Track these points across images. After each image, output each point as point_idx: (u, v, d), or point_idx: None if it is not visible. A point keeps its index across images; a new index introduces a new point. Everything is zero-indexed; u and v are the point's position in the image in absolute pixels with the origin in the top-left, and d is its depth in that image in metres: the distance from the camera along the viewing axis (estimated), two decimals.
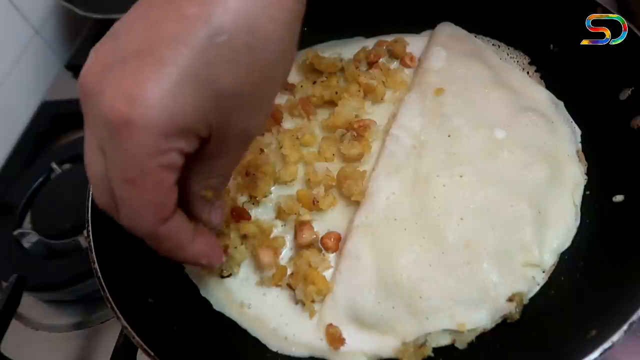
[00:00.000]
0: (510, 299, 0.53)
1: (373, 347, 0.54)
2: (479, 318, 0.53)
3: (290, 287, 0.59)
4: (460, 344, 0.52)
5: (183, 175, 0.39)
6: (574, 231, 0.57)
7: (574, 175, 0.60)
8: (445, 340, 0.53)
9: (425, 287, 0.53)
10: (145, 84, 0.33)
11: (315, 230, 0.60)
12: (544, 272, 0.55)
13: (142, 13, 0.36)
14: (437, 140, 0.62)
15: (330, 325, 0.55)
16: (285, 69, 0.41)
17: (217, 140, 0.39)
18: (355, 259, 0.56)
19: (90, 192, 0.59)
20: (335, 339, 0.54)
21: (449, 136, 0.61)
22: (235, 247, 0.59)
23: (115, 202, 0.38)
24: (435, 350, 0.53)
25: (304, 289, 0.56)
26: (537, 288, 0.54)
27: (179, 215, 0.41)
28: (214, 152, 0.39)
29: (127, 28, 0.36)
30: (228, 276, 0.60)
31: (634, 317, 0.42)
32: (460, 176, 0.58)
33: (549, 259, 0.55)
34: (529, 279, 0.54)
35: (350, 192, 0.60)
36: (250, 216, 0.62)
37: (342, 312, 0.55)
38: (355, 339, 0.54)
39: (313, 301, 0.56)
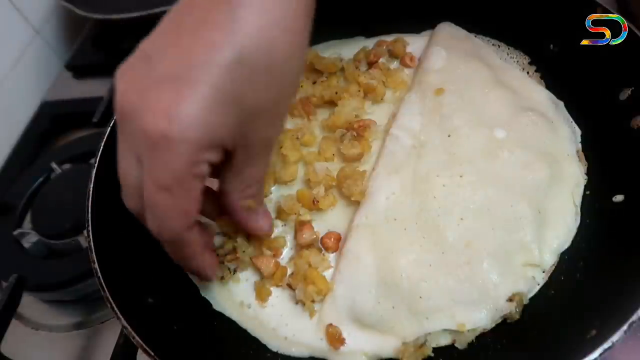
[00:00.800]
0: (510, 299, 0.53)
1: (373, 347, 0.54)
2: (479, 318, 0.53)
3: (290, 287, 0.59)
4: (460, 344, 0.52)
5: (223, 194, 0.46)
6: (574, 231, 0.57)
7: (573, 175, 0.60)
8: (445, 340, 0.53)
9: (425, 287, 0.53)
10: (182, 103, 0.38)
11: (315, 230, 0.60)
12: (544, 272, 0.55)
13: (174, 40, 0.40)
14: (437, 140, 0.62)
15: (330, 325, 0.55)
16: (297, 81, 0.46)
17: (242, 150, 0.43)
18: (355, 258, 0.56)
19: (91, 193, 0.59)
20: (335, 338, 0.54)
21: (449, 136, 0.61)
22: (244, 251, 0.59)
23: (144, 208, 0.43)
24: (435, 350, 0.53)
25: (304, 289, 0.56)
26: (537, 288, 0.54)
27: (198, 226, 0.46)
28: (242, 161, 0.45)
29: (160, 53, 0.40)
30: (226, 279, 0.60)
31: (634, 317, 0.42)
32: (460, 176, 0.58)
33: (549, 259, 0.55)
34: (529, 279, 0.54)
35: (350, 192, 0.60)
36: None
37: (342, 312, 0.55)
38: (356, 339, 0.54)
39: (313, 301, 0.56)
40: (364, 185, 0.61)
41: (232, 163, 0.44)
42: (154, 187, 0.41)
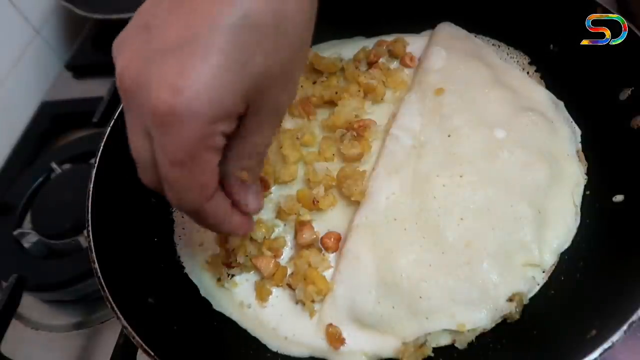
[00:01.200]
0: (510, 299, 0.53)
1: (373, 347, 0.54)
2: (479, 318, 0.53)
3: (290, 287, 0.59)
4: (460, 344, 0.52)
5: (222, 160, 0.42)
6: (574, 231, 0.57)
7: (573, 175, 0.60)
8: (445, 340, 0.53)
9: (425, 287, 0.53)
10: (189, 74, 0.35)
11: (315, 230, 0.60)
12: (544, 272, 0.55)
13: (173, 7, 0.38)
14: (437, 140, 0.62)
15: (331, 325, 0.55)
16: (308, 41, 0.42)
17: (252, 116, 0.41)
18: (355, 259, 0.56)
19: (91, 193, 0.59)
20: (335, 338, 0.54)
21: (449, 136, 0.61)
22: (246, 255, 0.59)
23: (161, 182, 0.41)
24: (435, 350, 0.53)
25: (304, 289, 0.56)
26: (537, 288, 0.54)
27: (219, 193, 0.44)
28: (249, 129, 0.42)
29: (160, 22, 0.38)
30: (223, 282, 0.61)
31: (634, 317, 0.42)
32: (460, 176, 0.58)
33: (549, 259, 0.55)
34: (529, 279, 0.54)
35: (350, 192, 0.60)
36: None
37: (342, 312, 0.55)
38: (356, 339, 0.54)
39: (313, 301, 0.56)
40: (363, 185, 0.61)
41: (238, 129, 0.41)
42: (168, 163, 0.38)
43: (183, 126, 0.36)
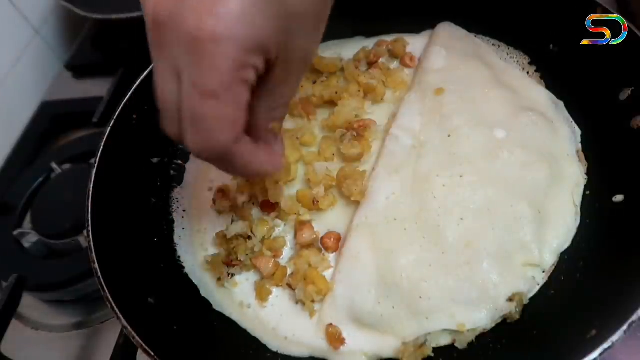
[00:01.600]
0: (510, 299, 0.53)
1: (373, 347, 0.54)
2: (478, 318, 0.53)
3: (290, 287, 0.59)
4: (460, 344, 0.52)
5: (252, 114, 0.43)
6: (574, 231, 0.57)
7: (573, 175, 0.60)
8: (445, 340, 0.53)
9: (425, 287, 0.53)
10: (227, 1, 0.36)
11: (315, 230, 0.60)
12: (543, 272, 0.55)
13: None
14: (437, 140, 0.62)
15: (330, 325, 0.55)
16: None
17: (282, 63, 0.42)
18: (355, 258, 0.56)
19: (91, 193, 0.59)
20: (335, 338, 0.54)
21: (449, 136, 0.61)
22: (247, 254, 0.59)
23: (185, 129, 0.41)
24: (435, 350, 0.53)
25: (304, 289, 0.56)
26: (537, 288, 0.54)
27: (245, 137, 0.44)
28: (278, 79, 0.43)
29: None
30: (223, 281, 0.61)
31: (634, 317, 0.42)
32: (460, 176, 0.58)
33: (549, 259, 0.55)
34: (529, 279, 0.54)
35: (350, 192, 0.60)
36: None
37: (342, 312, 0.55)
38: (355, 339, 0.54)
39: (313, 301, 0.56)
40: (363, 185, 0.61)
41: (266, 80, 0.42)
42: (199, 97, 0.39)
43: (220, 51, 0.37)
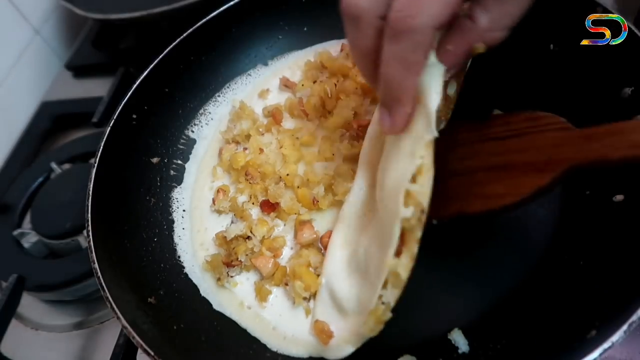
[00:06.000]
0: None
1: (357, 333, 0.52)
2: None
3: (287, 286, 0.58)
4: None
5: (473, 20, 0.44)
6: None
7: None
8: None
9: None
10: None
11: (315, 230, 0.60)
12: None
13: None
14: None
15: (317, 320, 0.54)
16: None
17: None
18: (332, 251, 0.56)
19: (91, 193, 0.59)
20: (323, 332, 0.52)
21: None
22: (247, 254, 0.59)
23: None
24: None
25: (292, 284, 0.56)
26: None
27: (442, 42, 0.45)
28: None
29: None
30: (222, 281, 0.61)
31: (634, 317, 0.42)
32: None
33: None
34: None
35: (337, 190, 0.60)
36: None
37: (327, 304, 0.54)
38: (342, 331, 0.53)
39: (305, 298, 0.56)
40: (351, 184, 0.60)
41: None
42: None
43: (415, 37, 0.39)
